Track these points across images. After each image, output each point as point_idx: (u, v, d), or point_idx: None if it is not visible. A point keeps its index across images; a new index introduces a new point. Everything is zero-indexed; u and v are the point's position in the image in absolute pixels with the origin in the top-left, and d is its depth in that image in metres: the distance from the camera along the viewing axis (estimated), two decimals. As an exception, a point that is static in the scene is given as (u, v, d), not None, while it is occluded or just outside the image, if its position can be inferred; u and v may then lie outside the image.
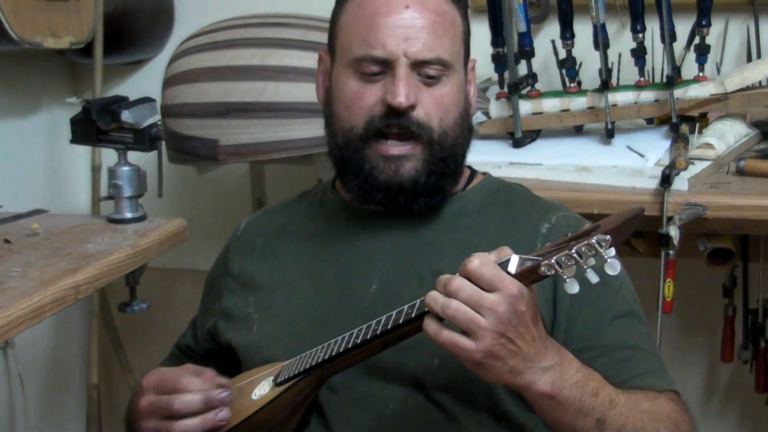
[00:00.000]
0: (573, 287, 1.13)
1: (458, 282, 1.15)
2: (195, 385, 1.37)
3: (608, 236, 1.10)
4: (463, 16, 1.46)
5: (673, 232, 1.76)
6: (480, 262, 1.16)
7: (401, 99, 1.36)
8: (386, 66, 1.38)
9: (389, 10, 1.39)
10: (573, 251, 1.11)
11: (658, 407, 1.31)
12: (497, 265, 1.16)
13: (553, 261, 1.12)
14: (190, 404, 1.36)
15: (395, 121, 1.38)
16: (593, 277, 1.12)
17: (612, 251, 1.10)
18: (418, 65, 1.38)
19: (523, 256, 1.16)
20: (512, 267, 1.16)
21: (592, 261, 1.11)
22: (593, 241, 1.10)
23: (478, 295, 1.14)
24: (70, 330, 2.78)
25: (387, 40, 1.37)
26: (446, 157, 1.42)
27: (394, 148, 1.40)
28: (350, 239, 1.48)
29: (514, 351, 1.16)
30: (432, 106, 1.40)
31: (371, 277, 1.43)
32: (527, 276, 1.16)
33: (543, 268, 1.13)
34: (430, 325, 1.17)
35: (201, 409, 1.35)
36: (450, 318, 1.15)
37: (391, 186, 1.40)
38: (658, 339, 1.82)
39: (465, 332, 1.15)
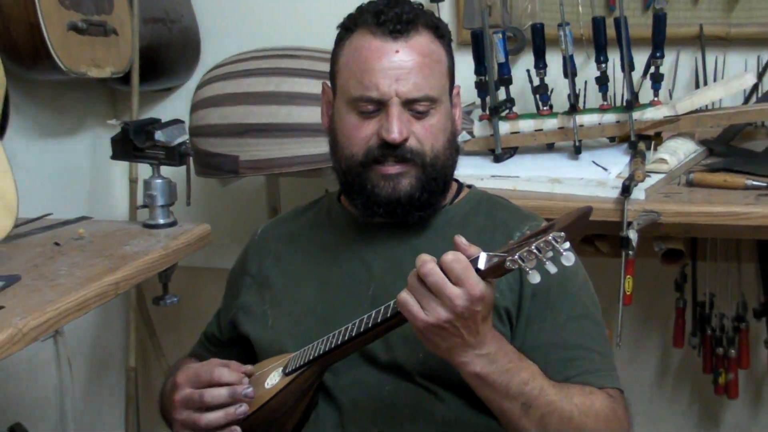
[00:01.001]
0: (535, 278, 1.13)
1: (430, 266, 1.17)
2: (226, 375, 1.37)
3: (562, 233, 1.11)
4: (447, 51, 1.45)
5: (632, 235, 1.76)
6: (453, 258, 1.17)
7: (395, 135, 1.36)
8: (380, 104, 1.38)
9: (381, 55, 1.37)
10: (533, 247, 1.12)
11: (590, 402, 1.30)
12: (470, 265, 1.17)
13: (516, 257, 1.13)
14: (218, 398, 1.36)
15: (391, 152, 1.38)
16: (552, 268, 1.12)
17: (567, 245, 1.11)
18: (408, 103, 1.38)
19: (490, 254, 1.17)
20: (481, 263, 1.17)
21: (550, 254, 1.11)
22: (550, 237, 1.11)
23: (443, 283, 1.16)
24: (111, 320, 2.76)
25: (380, 82, 1.36)
26: (437, 177, 1.41)
27: (391, 167, 1.39)
28: (353, 247, 1.48)
29: (456, 335, 1.19)
30: (423, 135, 1.39)
31: (369, 281, 1.44)
32: (494, 270, 1.16)
33: (508, 263, 1.14)
34: (402, 293, 1.20)
35: (227, 401, 1.36)
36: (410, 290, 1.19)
37: (391, 201, 1.40)
38: (619, 328, 1.82)
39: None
